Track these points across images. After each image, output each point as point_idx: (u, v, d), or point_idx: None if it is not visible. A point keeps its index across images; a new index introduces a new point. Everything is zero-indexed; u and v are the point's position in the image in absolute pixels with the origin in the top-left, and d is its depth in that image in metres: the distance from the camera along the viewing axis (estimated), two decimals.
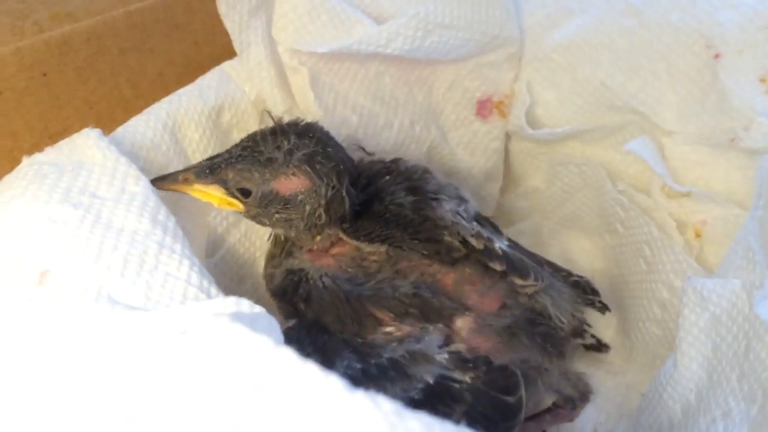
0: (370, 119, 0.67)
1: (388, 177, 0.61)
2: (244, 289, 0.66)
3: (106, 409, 0.28)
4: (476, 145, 0.75)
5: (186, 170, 0.55)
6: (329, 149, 0.55)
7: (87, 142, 0.52)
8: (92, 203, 0.48)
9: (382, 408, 0.25)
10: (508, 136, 0.76)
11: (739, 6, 0.61)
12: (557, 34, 0.69)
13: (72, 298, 0.41)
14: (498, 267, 0.56)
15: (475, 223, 0.59)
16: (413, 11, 0.63)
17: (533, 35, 0.71)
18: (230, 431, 0.25)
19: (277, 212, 0.55)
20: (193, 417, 0.27)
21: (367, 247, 0.56)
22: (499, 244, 0.57)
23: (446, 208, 0.58)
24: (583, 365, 0.68)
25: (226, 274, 0.64)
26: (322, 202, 0.54)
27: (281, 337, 0.36)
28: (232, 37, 0.63)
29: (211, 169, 0.54)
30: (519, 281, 0.56)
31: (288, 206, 0.55)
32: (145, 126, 0.58)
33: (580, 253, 0.76)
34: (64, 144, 0.52)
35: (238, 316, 0.33)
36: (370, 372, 0.50)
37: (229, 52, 0.65)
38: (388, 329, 0.53)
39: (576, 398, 0.60)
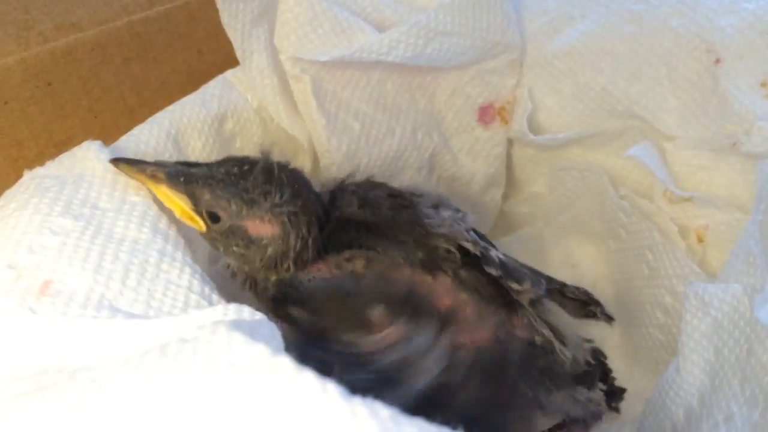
0: (372, 126, 0.68)
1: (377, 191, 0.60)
2: (248, 296, 0.66)
3: (106, 418, 0.28)
4: (478, 151, 0.75)
5: (157, 166, 0.51)
6: (308, 202, 0.54)
7: (87, 155, 0.52)
8: (93, 215, 0.48)
9: (379, 415, 0.25)
10: (510, 142, 0.76)
11: (740, 11, 0.61)
12: (558, 41, 0.70)
13: (74, 308, 0.41)
14: (494, 272, 0.55)
15: (472, 233, 0.58)
16: (415, 19, 0.63)
17: (534, 41, 0.71)
18: None
19: (237, 246, 0.54)
20: (191, 425, 0.27)
21: (347, 256, 0.55)
22: (495, 253, 0.57)
23: (445, 215, 0.58)
24: None
25: (230, 282, 0.65)
26: (288, 250, 0.54)
27: (281, 344, 0.36)
28: (235, 45, 0.63)
29: (186, 179, 0.51)
30: (515, 286, 0.56)
31: (250, 245, 0.54)
32: (148, 135, 0.58)
33: (582, 258, 0.76)
34: (65, 157, 0.53)
35: (237, 324, 0.33)
36: (367, 380, 0.50)
37: (232, 61, 0.65)
38: (385, 331, 0.52)
39: (587, 418, 0.60)
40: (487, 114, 0.73)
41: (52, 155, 0.53)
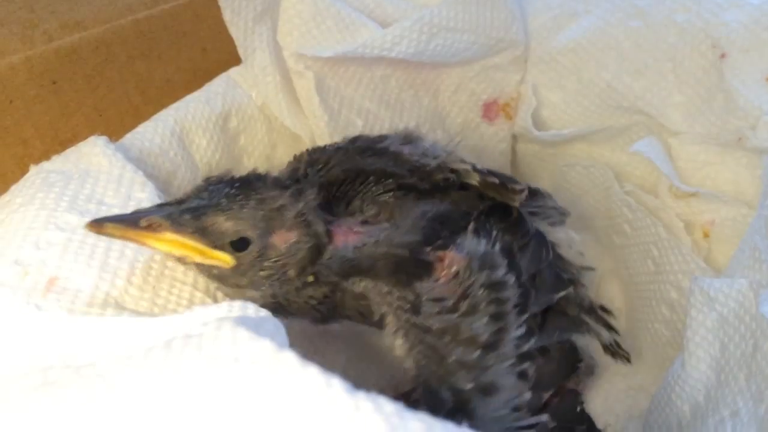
0: (376, 123, 0.68)
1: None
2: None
3: (112, 414, 0.28)
4: (483, 147, 0.75)
5: (146, 213, 0.44)
6: (302, 188, 0.50)
7: (93, 150, 0.53)
8: (99, 210, 0.48)
9: (383, 410, 0.25)
10: (514, 138, 0.76)
11: (745, 6, 0.61)
12: (562, 36, 0.69)
13: (79, 305, 0.41)
14: (495, 180, 0.55)
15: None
16: (418, 15, 0.63)
17: (538, 37, 0.71)
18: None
19: (266, 269, 0.48)
20: (196, 420, 0.27)
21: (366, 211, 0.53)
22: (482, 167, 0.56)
23: (425, 146, 0.56)
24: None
25: None
26: (316, 242, 0.49)
27: (286, 340, 0.37)
28: (237, 43, 0.63)
29: (193, 215, 0.44)
30: (514, 186, 0.55)
31: (280, 258, 0.48)
32: (153, 132, 0.59)
33: (587, 254, 0.76)
34: (71, 152, 0.53)
35: (242, 320, 0.33)
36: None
37: (236, 59, 0.65)
38: (446, 264, 0.50)
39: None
40: (491, 110, 0.73)
41: (58, 153, 0.54)
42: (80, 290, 0.43)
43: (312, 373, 0.26)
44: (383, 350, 0.66)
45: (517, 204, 0.57)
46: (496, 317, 0.50)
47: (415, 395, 0.65)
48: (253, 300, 0.44)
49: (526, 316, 0.52)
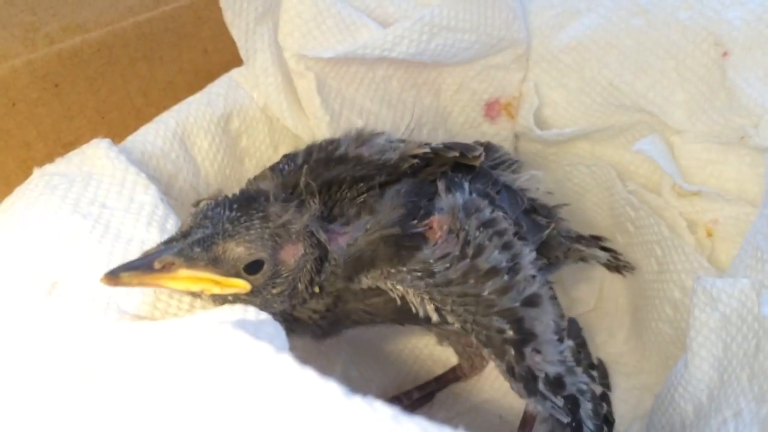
0: (377, 123, 0.68)
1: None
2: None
3: (112, 417, 0.29)
4: None
5: (158, 253, 0.43)
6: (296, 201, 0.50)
7: (96, 153, 0.53)
8: (101, 213, 0.49)
9: (379, 413, 0.25)
10: (516, 138, 0.76)
11: (747, 3, 0.61)
12: (564, 35, 0.69)
13: (81, 308, 0.41)
14: (455, 153, 0.56)
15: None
16: (419, 14, 0.63)
17: (540, 36, 0.70)
18: None
19: (277, 285, 0.48)
20: (195, 423, 0.27)
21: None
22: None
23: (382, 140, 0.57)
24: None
25: None
26: (320, 250, 0.50)
27: (286, 343, 0.37)
28: (238, 44, 0.63)
29: (203, 247, 0.44)
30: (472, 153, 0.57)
31: (290, 273, 0.48)
32: (155, 135, 0.59)
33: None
34: (74, 155, 0.53)
35: (241, 324, 0.33)
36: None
37: (238, 60, 0.65)
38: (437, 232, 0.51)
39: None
40: (493, 109, 0.73)
41: (61, 156, 0.54)
42: (82, 293, 0.43)
43: (309, 377, 0.26)
44: (385, 349, 0.66)
45: (477, 164, 0.58)
46: (505, 246, 0.51)
47: (416, 394, 0.66)
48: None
49: (530, 245, 0.54)
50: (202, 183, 0.62)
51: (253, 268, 0.45)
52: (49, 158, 0.53)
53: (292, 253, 0.47)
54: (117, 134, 0.57)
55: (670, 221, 0.64)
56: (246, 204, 0.47)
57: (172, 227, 0.50)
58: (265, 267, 0.46)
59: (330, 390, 0.26)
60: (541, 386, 0.50)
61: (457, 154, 0.56)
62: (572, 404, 0.51)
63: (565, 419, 0.51)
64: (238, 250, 0.44)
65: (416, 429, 0.25)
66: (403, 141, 0.58)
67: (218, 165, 0.63)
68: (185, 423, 0.28)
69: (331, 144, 0.57)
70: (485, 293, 0.49)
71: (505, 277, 0.50)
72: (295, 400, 0.26)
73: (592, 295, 0.75)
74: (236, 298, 0.46)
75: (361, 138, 0.57)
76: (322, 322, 0.53)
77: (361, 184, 0.54)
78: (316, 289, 0.50)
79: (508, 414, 0.66)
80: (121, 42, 0.69)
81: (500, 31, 0.67)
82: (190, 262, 0.43)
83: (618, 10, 0.67)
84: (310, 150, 0.57)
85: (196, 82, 0.67)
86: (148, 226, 0.49)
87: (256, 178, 0.57)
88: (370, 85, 0.67)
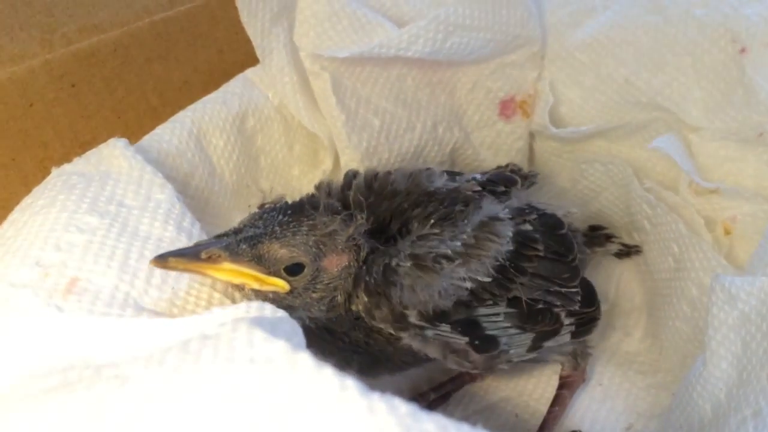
0: (393, 122, 0.68)
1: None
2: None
3: (129, 413, 0.29)
4: (500, 145, 0.74)
5: (207, 245, 0.46)
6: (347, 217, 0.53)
7: (113, 152, 0.53)
8: (119, 212, 0.49)
9: (398, 411, 0.25)
10: (532, 136, 0.75)
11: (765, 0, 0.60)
12: (580, 32, 0.69)
13: (100, 306, 0.42)
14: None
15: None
16: (433, 13, 0.63)
17: (555, 34, 0.70)
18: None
19: (317, 290, 0.51)
20: (211, 420, 0.27)
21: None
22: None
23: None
24: (613, 366, 0.68)
25: None
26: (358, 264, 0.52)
27: (303, 341, 0.37)
28: (254, 43, 0.63)
29: (249, 244, 0.47)
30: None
31: (332, 282, 0.51)
32: (171, 134, 0.59)
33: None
34: (92, 154, 0.54)
35: (259, 321, 0.33)
36: (460, 251, 0.52)
37: (252, 59, 0.66)
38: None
39: (577, 355, 0.62)
40: (508, 108, 0.73)
41: (78, 156, 0.54)
42: (100, 291, 0.43)
43: (327, 375, 0.26)
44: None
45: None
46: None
47: (433, 395, 0.65)
48: (300, 321, 0.48)
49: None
50: (218, 181, 0.62)
51: (294, 270, 0.49)
52: (67, 158, 0.54)
53: (336, 263, 0.51)
54: (133, 134, 0.58)
55: (687, 219, 0.63)
56: (299, 211, 0.50)
57: (188, 225, 0.51)
58: (306, 271, 0.49)
59: (348, 388, 0.26)
60: None
61: (503, 188, 0.60)
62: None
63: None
64: (280, 252, 0.48)
65: (434, 426, 0.25)
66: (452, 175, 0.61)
67: (233, 164, 0.64)
68: (202, 420, 0.28)
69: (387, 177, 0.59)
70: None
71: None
72: (313, 397, 0.26)
73: (608, 294, 0.74)
74: (276, 297, 0.49)
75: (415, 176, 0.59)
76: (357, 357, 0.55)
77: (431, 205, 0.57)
78: (353, 307, 0.52)
79: (524, 412, 0.66)
80: (137, 42, 0.70)
81: (515, 29, 0.67)
82: (235, 256, 0.46)
83: (633, 7, 0.67)
84: (369, 181, 0.59)
85: (212, 82, 0.67)
86: (165, 224, 0.50)
87: (317, 187, 0.60)
88: (385, 84, 0.67)
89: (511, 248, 0.55)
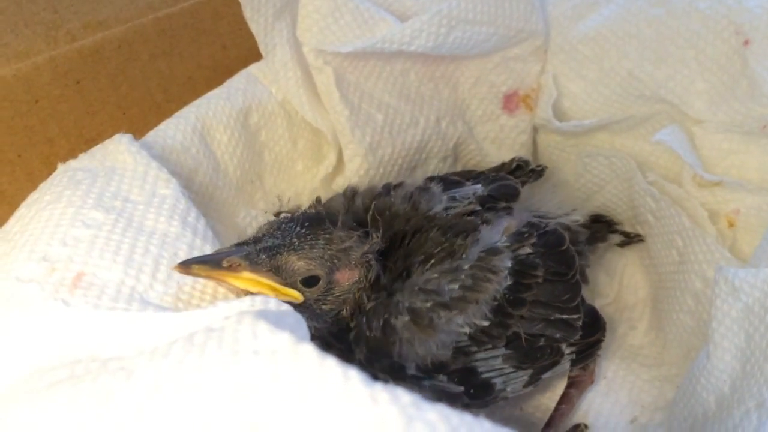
0: (396, 117, 0.68)
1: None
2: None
3: (135, 405, 0.29)
4: (503, 139, 0.74)
5: (228, 253, 0.48)
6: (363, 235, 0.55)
7: (119, 148, 0.53)
8: (124, 207, 0.49)
9: (400, 400, 0.25)
10: (535, 130, 0.75)
11: None
12: (583, 25, 0.69)
13: (106, 300, 0.42)
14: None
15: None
16: (436, 8, 0.63)
17: (558, 27, 0.70)
18: (250, 423, 0.26)
19: (327, 303, 0.53)
20: (216, 411, 0.27)
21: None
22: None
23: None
24: (617, 359, 0.68)
25: None
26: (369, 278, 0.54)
27: (307, 334, 0.37)
28: (258, 39, 0.64)
29: (268, 255, 0.49)
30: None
31: (341, 295, 0.53)
32: (175, 129, 0.59)
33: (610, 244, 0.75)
34: (97, 150, 0.54)
35: (263, 314, 0.33)
36: (458, 295, 0.53)
37: (256, 55, 0.66)
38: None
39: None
40: (511, 102, 0.73)
41: (83, 152, 0.55)
42: (106, 286, 0.44)
43: (330, 365, 0.27)
44: None
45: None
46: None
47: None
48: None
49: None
50: (222, 177, 0.62)
51: (309, 282, 0.51)
52: (72, 154, 0.54)
53: (348, 277, 0.52)
54: (138, 130, 0.58)
55: (691, 212, 0.63)
56: (316, 224, 0.52)
57: (193, 220, 0.51)
58: (320, 283, 0.51)
59: (351, 378, 0.26)
60: None
61: (504, 204, 0.60)
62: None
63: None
64: (298, 264, 0.50)
65: (437, 416, 0.25)
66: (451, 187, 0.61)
67: (237, 159, 0.64)
68: (207, 412, 0.28)
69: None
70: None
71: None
72: (317, 388, 0.26)
73: (611, 287, 0.74)
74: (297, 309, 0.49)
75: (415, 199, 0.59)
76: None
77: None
78: (352, 323, 0.54)
79: (528, 405, 0.66)
80: (141, 38, 0.70)
81: (518, 23, 0.67)
82: (254, 266, 0.48)
83: (637, 0, 0.66)
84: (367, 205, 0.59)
85: (215, 78, 0.67)
86: (170, 219, 0.50)
87: (330, 199, 0.62)
88: (389, 78, 0.67)
89: (510, 283, 0.55)
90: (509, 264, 0.55)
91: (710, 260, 0.61)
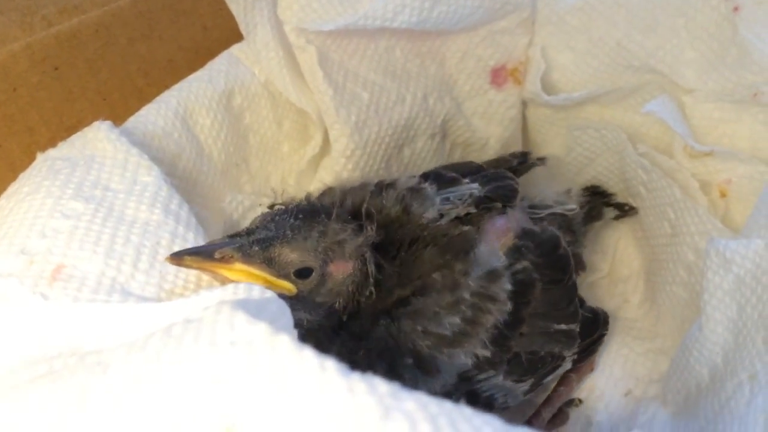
0: (382, 95, 0.67)
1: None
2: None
3: (110, 400, 0.29)
4: (492, 114, 0.73)
5: (220, 245, 0.47)
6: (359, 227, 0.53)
7: (98, 135, 0.53)
8: (105, 196, 0.48)
9: (377, 390, 0.25)
10: (524, 104, 0.74)
11: None
12: None
13: (86, 292, 0.41)
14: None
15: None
16: None
17: None
18: (226, 415, 0.26)
19: (321, 295, 0.51)
20: (192, 404, 0.27)
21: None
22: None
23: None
24: (611, 332, 0.68)
25: None
26: (368, 277, 0.52)
27: (290, 322, 0.36)
28: (237, 19, 0.62)
29: (261, 246, 0.48)
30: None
31: (334, 288, 0.52)
32: (156, 114, 0.58)
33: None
34: (76, 138, 0.53)
35: (243, 303, 0.33)
36: (459, 329, 0.52)
37: (237, 35, 0.65)
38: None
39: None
40: (499, 76, 0.72)
41: (64, 140, 0.54)
42: (86, 277, 0.43)
43: (306, 356, 0.26)
44: None
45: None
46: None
47: None
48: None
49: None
50: (206, 161, 0.62)
51: (302, 274, 0.50)
52: (53, 142, 0.53)
53: (342, 270, 0.51)
54: (119, 116, 0.57)
55: (682, 183, 0.62)
56: (310, 216, 0.51)
57: (176, 207, 0.50)
58: (313, 275, 0.50)
59: (328, 369, 0.25)
60: None
61: (500, 205, 0.59)
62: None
63: None
64: (291, 256, 0.49)
65: (414, 405, 0.24)
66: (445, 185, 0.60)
67: (222, 143, 0.63)
68: (181, 404, 0.28)
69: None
70: None
71: None
72: (293, 379, 0.26)
73: (605, 261, 0.74)
74: (290, 299, 0.49)
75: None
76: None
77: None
78: (344, 318, 0.53)
79: None
80: (119, 22, 0.68)
81: None
82: (247, 257, 0.47)
83: None
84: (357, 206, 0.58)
85: (197, 60, 0.66)
86: (152, 207, 0.49)
87: (323, 193, 0.61)
88: (373, 56, 0.66)
89: (509, 308, 0.54)
90: (509, 287, 0.54)
91: (702, 232, 0.60)
